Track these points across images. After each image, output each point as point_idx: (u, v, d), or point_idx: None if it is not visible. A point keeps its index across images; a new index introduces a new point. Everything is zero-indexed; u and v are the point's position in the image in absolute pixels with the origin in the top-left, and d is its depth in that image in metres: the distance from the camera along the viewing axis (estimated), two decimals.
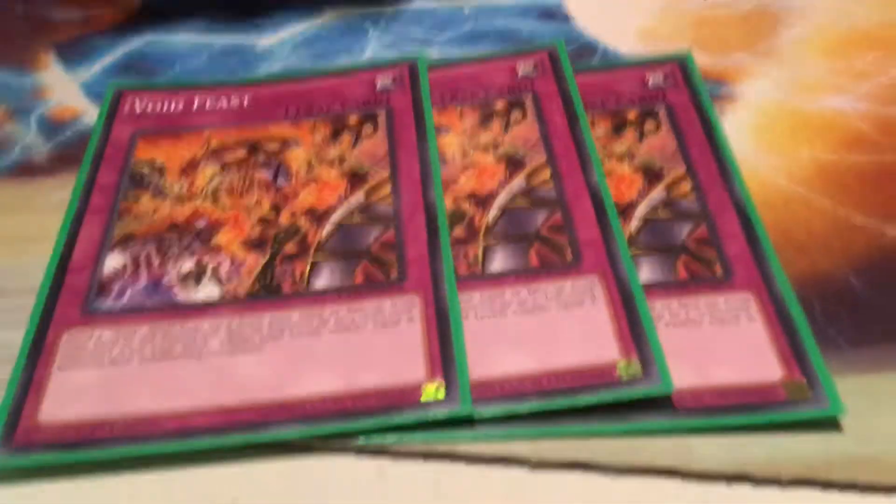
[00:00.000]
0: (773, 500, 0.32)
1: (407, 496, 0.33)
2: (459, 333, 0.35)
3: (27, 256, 0.40)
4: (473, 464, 0.33)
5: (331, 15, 0.54)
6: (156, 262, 0.39)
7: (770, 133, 0.45)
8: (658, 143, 0.43)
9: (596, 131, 0.44)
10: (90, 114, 0.48)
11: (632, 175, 0.42)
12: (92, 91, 0.49)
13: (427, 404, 0.33)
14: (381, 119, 0.45)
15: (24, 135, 0.47)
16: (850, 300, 0.37)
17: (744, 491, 0.32)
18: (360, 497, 0.32)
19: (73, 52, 0.52)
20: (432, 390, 0.34)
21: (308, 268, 0.39)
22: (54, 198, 0.43)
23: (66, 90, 0.49)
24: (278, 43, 0.52)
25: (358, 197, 0.41)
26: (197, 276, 0.39)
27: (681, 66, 0.46)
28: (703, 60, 0.48)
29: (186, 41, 0.52)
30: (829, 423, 0.33)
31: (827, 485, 0.32)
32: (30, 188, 0.44)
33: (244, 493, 0.33)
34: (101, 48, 0.52)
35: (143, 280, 0.38)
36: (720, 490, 0.32)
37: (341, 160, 0.43)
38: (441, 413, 0.33)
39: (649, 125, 0.44)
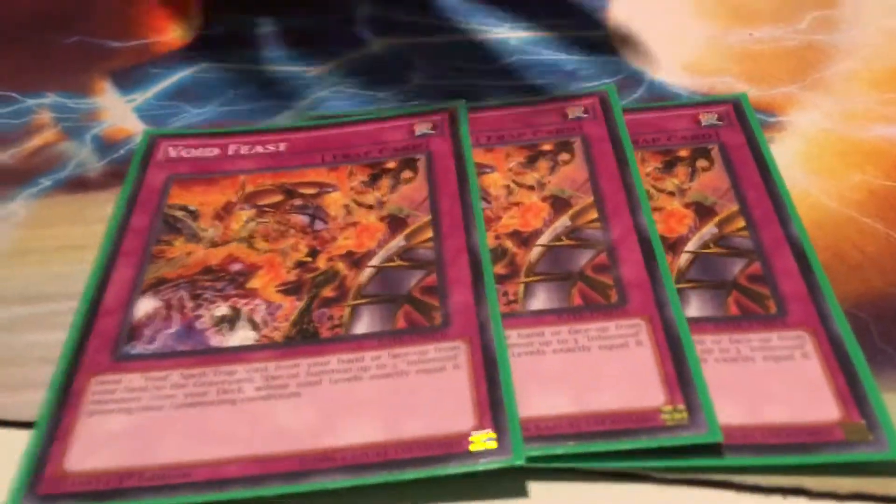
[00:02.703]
0: None
1: None
2: (508, 380, 0.33)
3: (80, 264, 0.41)
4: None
5: (378, 45, 0.54)
6: (189, 305, 0.38)
7: (820, 159, 0.44)
8: (710, 180, 0.42)
9: (645, 168, 0.43)
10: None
11: (682, 211, 0.41)
12: (145, 115, 0.50)
13: (477, 454, 0.31)
14: (421, 164, 0.44)
15: (79, 152, 0.48)
16: None
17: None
18: None
19: (127, 79, 0.53)
20: (482, 439, 0.32)
21: (347, 312, 0.37)
22: (106, 210, 0.43)
23: (120, 113, 0.51)
24: (327, 71, 0.53)
25: (398, 241, 0.40)
26: (231, 320, 0.37)
27: (735, 107, 0.46)
28: (749, 92, 0.48)
29: (238, 69, 0.54)
30: (891, 467, 0.31)
31: (886, 499, 0.31)
32: (83, 201, 0.45)
33: None
34: (156, 75, 0.53)
35: (176, 324, 0.37)
36: (776, 503, 0.31)
37: (380, 204, 0.42)
38: (492, 464, 0.31)
39: (702, 163, 0.43)
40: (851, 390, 0.33)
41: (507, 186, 0.42)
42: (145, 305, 0.38)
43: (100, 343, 0.36)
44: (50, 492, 0.31)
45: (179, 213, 0.42)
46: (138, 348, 0.36)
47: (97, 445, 0.33)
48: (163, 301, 0.38)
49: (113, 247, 0.40)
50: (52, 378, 0.35)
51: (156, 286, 0.39)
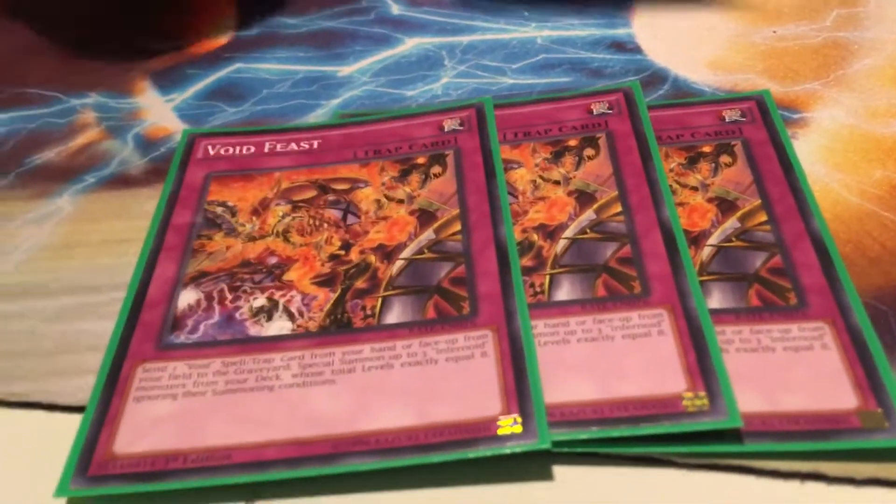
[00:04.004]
0: (847, 498, 0.31)
1: None
2: (534, 367, 0.35)
3: (125, 257, 0.43)
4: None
5: (408, 45, 0.56)
6: (228, 297, 0.39)
7: (842, 154, 0.45)
8: (733, 175, 0.42)
9: (669, 164, 0.43)
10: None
11: (705, 206, 0.41)
12: (184, 114, 0.53)
13: (504, 438, 0.33)
14: (450, 159, 0.45)
15: (121, 150, 0.50)
16: None
17: (817, 488, 0.32)
18: None
19: (167, 80, 0.56)
20: (509, 424, 0.33)
21: (379, 303, 0.38)
22: (148, 205, 0.46)
23: (160, 112, 0.53)
24: (358, 70, 0.54)
25: (428, 234, 0.41)
26: (269, 311, 0.39)
27: (759, 104, 0.46)
28: (773, 89, 0.49)
29: (272, 69, 0.56)
30: None
31: None
32: (126, 196, 0.47)
33: None
34: (194, 76, 0.56)
35: (216, 315, 0.39)
36: (794, 487, 0.32)
37: (410, 199, 0.43)
38: (519, 447, 0.32)
39: (725, 159, 0.43)
40: (869, 379, 0.34)
41: (534, 182, 0.43)
42: (187, 297, 0.40)
43: (145, 333, 0.38)
44: (99, 473, 0.33)
45: (219, 209, 0.44)
46: (181, 338, 0.38)
47: (143, 429, 0.34)
48: (204, 293, 0.40)
49: (156, 242, 0.42)
50: (101, 366, 0.37)
51: (197, 279, 0.40)
